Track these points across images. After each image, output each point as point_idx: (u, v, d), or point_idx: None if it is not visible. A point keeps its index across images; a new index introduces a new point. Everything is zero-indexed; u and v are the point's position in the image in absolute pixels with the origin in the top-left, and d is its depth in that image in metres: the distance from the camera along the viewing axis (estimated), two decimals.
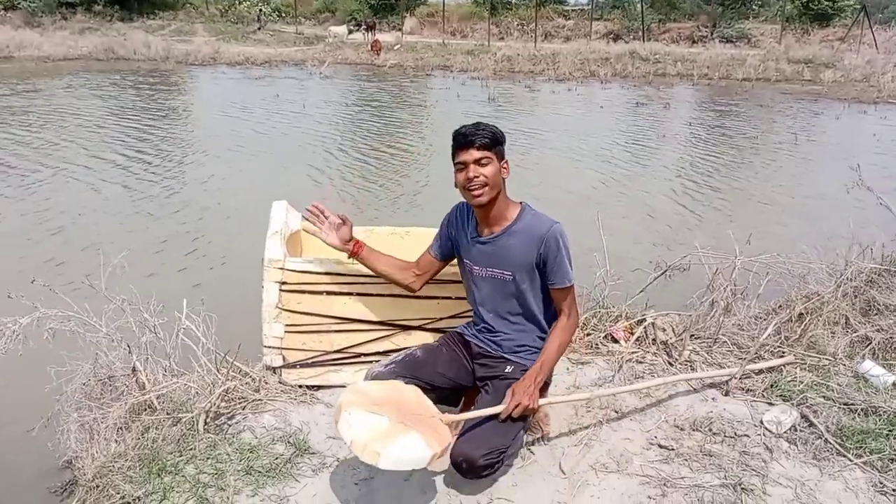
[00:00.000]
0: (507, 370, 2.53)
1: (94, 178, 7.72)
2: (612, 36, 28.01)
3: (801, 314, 3.32)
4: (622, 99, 15.98)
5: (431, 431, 2.20)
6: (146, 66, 20.39)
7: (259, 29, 28.88)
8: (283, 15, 31.95)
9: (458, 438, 2.31)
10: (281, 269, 2.80)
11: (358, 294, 2.86)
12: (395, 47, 24.32)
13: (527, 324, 2.58)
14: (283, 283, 2.81)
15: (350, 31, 27.64)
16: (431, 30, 30.74)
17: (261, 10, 30.97)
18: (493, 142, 2.43)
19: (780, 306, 3.67)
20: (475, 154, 2.41)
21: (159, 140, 9.99)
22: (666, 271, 3.67)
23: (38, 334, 2.76)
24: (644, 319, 3.38)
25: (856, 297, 3.63)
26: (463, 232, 2.61)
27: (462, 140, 2.43)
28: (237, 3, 32.13)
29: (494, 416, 2.32)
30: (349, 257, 2.70)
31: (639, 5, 28.65)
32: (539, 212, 2.55)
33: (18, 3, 29.08)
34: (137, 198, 6.97)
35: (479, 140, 2.41)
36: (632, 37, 27.42)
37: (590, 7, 31.60)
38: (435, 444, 2.14)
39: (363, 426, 2.14)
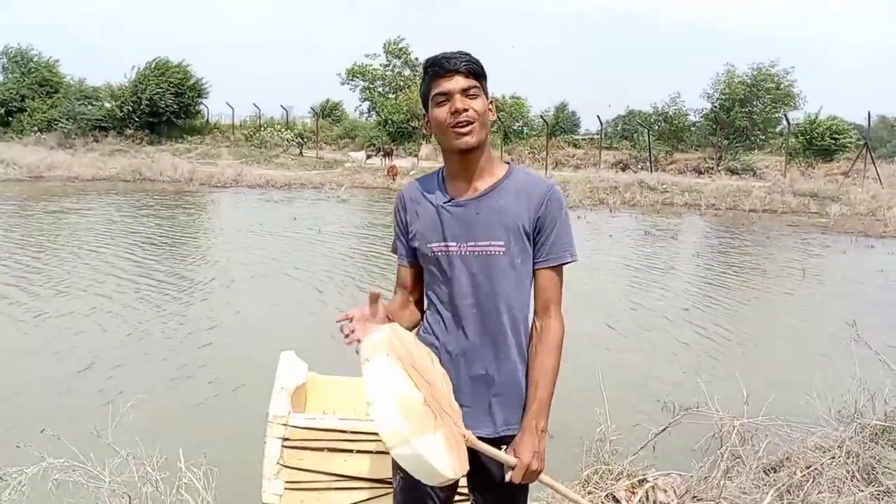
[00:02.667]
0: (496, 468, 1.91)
1: (108, 314, 7.67)
2: (620, 165, 28.99)
3: (802, 478, 3.30)
4: (631, 228, 16.33)
5: (457, 447, 1.73)
6: (170, 188, 21.27)
7: (300, 153, 30.67)
8: (306, 140, 33.49)
9: None
10: (284, 425, 2.86)
11: (358, 451, 2.90)
12: (411, 172, 25.22)
13: (510, 337, 1.95)
14: (286, 439, 2.87)
15: (368, 157, 28.85)
16: None
17: (301, 135, 32.91)
18: (482, 71, 1.94)
19: (782, 463, 3.65)
20: (462, 82, 1.89)
21: (165, 275, 9.95)
22: (666, 428, 3.70)
23: (44, 485, 2.82)
24: (646, 479, 3.37)
25: (858, 457, 3.61)
26: (426, 203, 2.03)
27: (445, 64, 1.89)
28: (261, 129, 33.81)
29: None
30: None
31: (646, 136, 29.77)
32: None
33: (55, 125, 30.84)
34: (152, 338, 6.76)
35: (467, 66, 1.89)
36: (640, 166, 28.35)
37: (599, 137, 32.86)
38: (457, 466, 1.69)
39: (395, 387, 1.63)
